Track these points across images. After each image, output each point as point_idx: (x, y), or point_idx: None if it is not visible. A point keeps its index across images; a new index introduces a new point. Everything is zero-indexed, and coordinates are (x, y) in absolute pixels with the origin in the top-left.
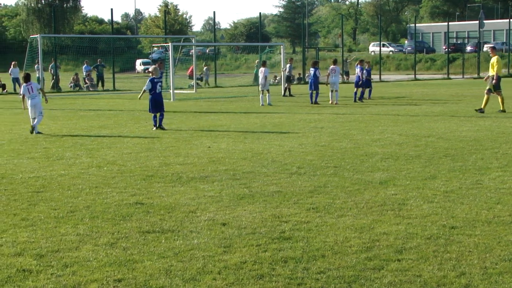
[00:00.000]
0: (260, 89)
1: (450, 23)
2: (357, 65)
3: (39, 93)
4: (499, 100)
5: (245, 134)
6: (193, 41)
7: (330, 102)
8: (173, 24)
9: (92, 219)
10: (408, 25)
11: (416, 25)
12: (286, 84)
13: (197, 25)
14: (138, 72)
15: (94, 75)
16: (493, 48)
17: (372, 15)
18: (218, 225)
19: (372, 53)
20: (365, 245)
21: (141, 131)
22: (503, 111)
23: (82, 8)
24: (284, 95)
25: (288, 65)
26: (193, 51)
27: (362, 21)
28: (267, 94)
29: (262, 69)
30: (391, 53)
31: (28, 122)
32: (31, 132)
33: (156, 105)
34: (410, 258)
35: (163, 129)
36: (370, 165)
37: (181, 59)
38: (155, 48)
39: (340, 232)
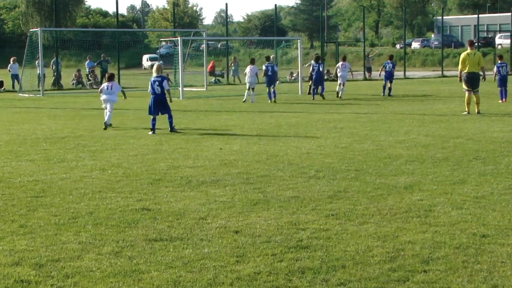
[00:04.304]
0: (248, 86)
1: (480, 15)
2: (388, 61)
3: (118, 94)
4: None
5: (259, 135)
6: (204, 35)
7: (338, 96)
8: (182, 17)
9: (95, 226)
10: (435, 17)
11: (444, 17)
12: (310, 82)
13: (208, 18)
14: (145, 68)
15: (97, 71)
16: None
17: (396, 7)
18: (230, 233)
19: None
20: (388, 255)
21: (148, 132)
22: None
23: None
24: (308, 93)
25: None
26: (204, 45)
27: (385, 13)
28: (251, 93)
29: (251, 67)
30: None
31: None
32: (105, 129)
33: (156, 106)
34: (437, 269)
35: (175, 131)
36: (394, 168)
37: (191, 54)
38: (163, 43)
39: (361, 241)
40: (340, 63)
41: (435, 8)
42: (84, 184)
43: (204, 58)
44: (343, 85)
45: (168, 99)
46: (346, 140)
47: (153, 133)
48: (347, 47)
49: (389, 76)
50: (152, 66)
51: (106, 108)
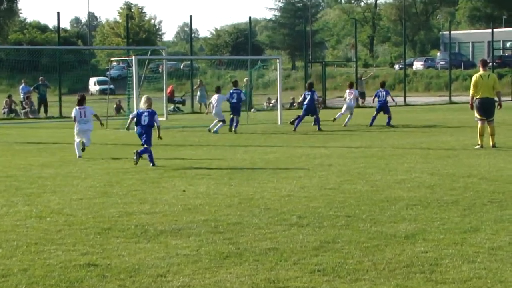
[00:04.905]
0: (216, 119)
1: (495, 29)
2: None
3: (92, 119)
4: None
5: (230, 173)
6: (163, 54)
7: (344, 124)
8: (138, 32)
9: (30, 286)
10: (441, 32)
11: (452, 32)
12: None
13: (169, 34)
14: (92, 94)
15: (34, 97)
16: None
17: (394, 20)
18: None
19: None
20: None
21: (96, 171)
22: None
23: (20, 12)
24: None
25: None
26: (163, 66)
27: (381, 27)
28: (220, 124)
29: (215, 96)
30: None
31: None
32: (82, 150)
33: (145, 134)
34: None
35: (153, 165)
36: (393, 214)
37: (148, 77)
38: (114, 63)
39: None
40: (347, 91)
41: (441, 22)
42: (16, 234)
43: (164, 81)
44: (351, 115)
45: (158, 134)
46: (335, 179)
47: (136, 162)
48: (336, 68)
49: (383, 107)
50: (100, 91)
51: (79, 141)
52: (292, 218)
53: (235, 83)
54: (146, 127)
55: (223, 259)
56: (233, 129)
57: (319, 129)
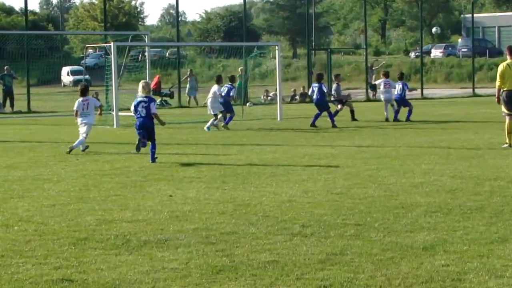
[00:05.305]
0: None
1: None
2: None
3: (95, 112)
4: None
5: (223, 176)
6: (146, 40)
7: (387, 119)
8: (117, 15)
9: None
10: (462, 15)
11: (475, 15)
12: (340, 107)
13: (152, 17)
14: (64, 85)
15: None
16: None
17: (409, 2)
18: None
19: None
20: None
21: (70, 173)
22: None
23: None
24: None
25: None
26: (146, 53)
27: (394, 10)
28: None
29: (215, 88)
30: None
31: None
32: (69, 152)
33: (142, 129)
34: None
35: (153, 161)
36: (409, 222)
37: (129, 66)
38: (90, 50)
39: None
40: (382, 80)
41: (462, 3)
42: None
43: (147, 71)
44: (397, 106)
45: (159, 122)
46: (343, 183)
47: (137, 152)
48: (343, 56)
49: (399, 101)
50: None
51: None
52: (295, 227)
53: (232, 79)
54: (145, 120)
55: (216, 274)
56: (225, 125)
57: (333, 126)
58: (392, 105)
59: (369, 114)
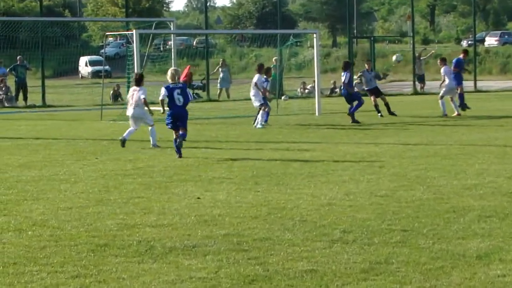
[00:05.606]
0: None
1: None
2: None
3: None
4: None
5: (256, 176)
6: (171, 26)
7: (455, 114)
8: (139, 0)
9: None
10: None
11: None
12: (372, 98)
13: (178, 2)
14: (83, 77)
15: (11, 81)
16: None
17: None
18: None
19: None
20: None
21: (89, 173)
22: None
23: None
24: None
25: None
26: (172, 42)
27: None
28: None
29: (256, 77)
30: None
31: None
32: (122, 146)
33: (177, 119)
34: None
35: (179, 154)
36: (461, 227)
37: (152, 56)
38: (110, 39)
39: None
40: (443, 68)
41: None
42: None
43: (172, 61)
44: (458, 97)
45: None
46: (388, 184)
47: (180, 156)
48: (388, 45)
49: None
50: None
51: (133, 129)
52: (335, 232)
53: (267, 71)
54: (181, 108)
55: (248, 284)
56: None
57: (353, 119)
58: (452, 98)
59: (416, 108)
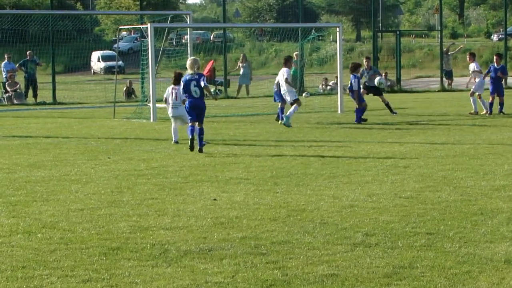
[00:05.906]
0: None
1: None
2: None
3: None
4: None
5: (275, 177)
6: (188, 20)
7: (484, 112)
8: None
9: None
10: None
11: None
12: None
13: None
14: (95, 73)
15: (20, 77)
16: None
17: None
18: None
19: None
20: None
21: (101, 173)
22: None
23: None
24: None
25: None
26: (188, 36)
27: None
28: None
29: (283, 70)
30: None
31: None
32: (192, 149)
33: (194, 111)
34: None
35: (201, 151)
36: (489, 230)
37: (168, 50)
38: (124, 33)
39: None
40: (473, 65)
41: None
42: None
43: (189, 56)
44: (480, 97)
45: (211, 98)
46: (413, 185)
47: (192, 149)
48: (414, 39)
49: (497, 86)
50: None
51: (177, 127)
52: (357, 235)
53: (287, 61)
54: (198, 100)
55: None
56: (280, 121)
57: (357, 120)
58: (480, 96)
59: (444, 106)
